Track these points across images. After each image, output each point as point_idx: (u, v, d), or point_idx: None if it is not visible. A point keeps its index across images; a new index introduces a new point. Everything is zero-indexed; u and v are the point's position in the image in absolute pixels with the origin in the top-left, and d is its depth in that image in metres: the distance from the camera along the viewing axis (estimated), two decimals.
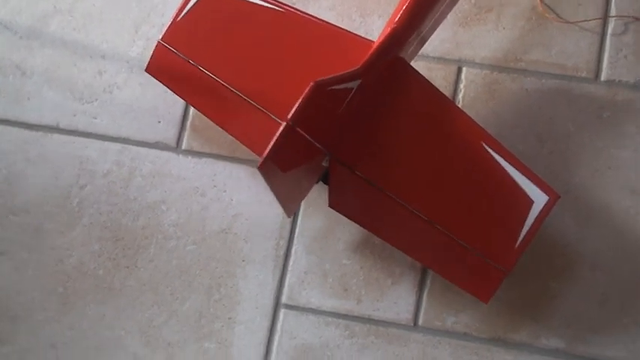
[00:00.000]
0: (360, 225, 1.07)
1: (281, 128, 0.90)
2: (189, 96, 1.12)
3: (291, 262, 1.14)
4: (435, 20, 1.08)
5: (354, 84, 0.98)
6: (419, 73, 1.05)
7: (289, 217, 1.10)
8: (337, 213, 1.07)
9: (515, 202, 1.03)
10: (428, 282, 1.13)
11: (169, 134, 1.20)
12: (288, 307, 1.13)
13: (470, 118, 1.04)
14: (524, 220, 1.02)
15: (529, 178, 1.03)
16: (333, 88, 0.95)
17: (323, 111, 0.96)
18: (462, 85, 1.17)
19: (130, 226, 1.17)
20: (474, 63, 1.18)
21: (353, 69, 0.98)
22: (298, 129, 0.92)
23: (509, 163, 1.03)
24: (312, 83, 0.90)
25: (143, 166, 1.19)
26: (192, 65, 1.09)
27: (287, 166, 0.95)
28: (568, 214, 1.12)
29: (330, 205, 1.06)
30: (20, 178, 1.20)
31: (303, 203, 1.16)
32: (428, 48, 1.17)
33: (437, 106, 1.05)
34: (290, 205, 1.07)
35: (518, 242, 1.02)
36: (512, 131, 1.15)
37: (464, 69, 1.18)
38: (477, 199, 1.04)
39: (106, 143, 1.20)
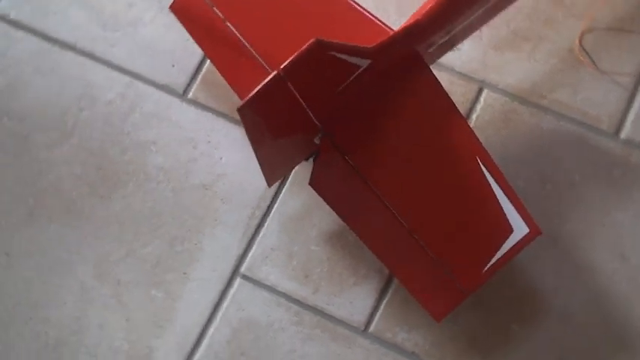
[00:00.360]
0: (335, 211, 1.04)
1: (270, 76, 0.88)
2: (204, 42, 1.11)
3: (260, 235, 1.11)
4: (466, 27, 1.05)
5: (362, 62, 0.96)
6: (434, 75, 1.02)
7: (269, 186, 1.07)
8: (320, 199, 1.04)
9: (495, 226, 0.99)
10: (390, 292, 1.09)
11: (179, 80, 1.19)
12: (246, 278, 1.10)
13: (472, 132, 1.00)
14: (499, 247, 0.98)
15: (515, 207, 0.98)
16: (338, 56, 0.92)
17: (322, 78, 0.94)
18: (479, 107, 1.14)
19: (116, 158, 1.16)
20: (497, 88, 1.15)
21: (365, 46, 0.95)
22: (289, 84, 0.89)
23: (500, 186, 0.99)
24: (313, 39, 0.88)
25: (145, 104, 1.18)
26: (214, 13, 1.08)
27: (272, 123, 0.93)
28: (550, 261, 1.07)
29: (311, 184, 1.03)
30: (24, 86, 1.20)
31: (288, 180, 1.13)
32: (454, 62, 1.14)
33: (443, 112, 1.02)
34: (272, 173, 1.04)
35: (487, 267, 0.98)
36: (517, 165, 1.11)
37: (485, 91, 1.15)
38: (458, 213, 1.00)
39: (116, 73, 1.20)
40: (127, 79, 1.19)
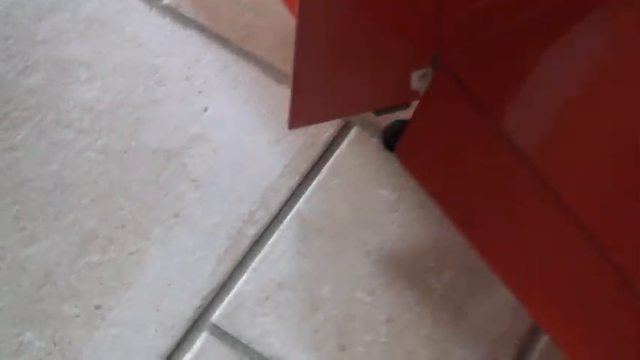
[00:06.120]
0: (437, 200, 0.51)
1: None
2: None
3: (258, 257, 0.58)
4: None
5: None
6: None
7: (291, 127, 0.53)
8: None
9: None
10: None
11: None
12: (217, 331, 0.55)
13: None
14: None
15: None
16: None
17: None
18: None
19: (13, 80, 0.63)
20: None
21: None
22: None
23: None
24: None
25: (85, 0, 0.66)
26: None
27: None
28: None
29: (399, 151, 0.51)
30: None
31: (326, 170, 0.60)
32: None
33: None
34: (304, 102, 0.51)
35: None
36: None
37: None
38: None
39: None
40: None
